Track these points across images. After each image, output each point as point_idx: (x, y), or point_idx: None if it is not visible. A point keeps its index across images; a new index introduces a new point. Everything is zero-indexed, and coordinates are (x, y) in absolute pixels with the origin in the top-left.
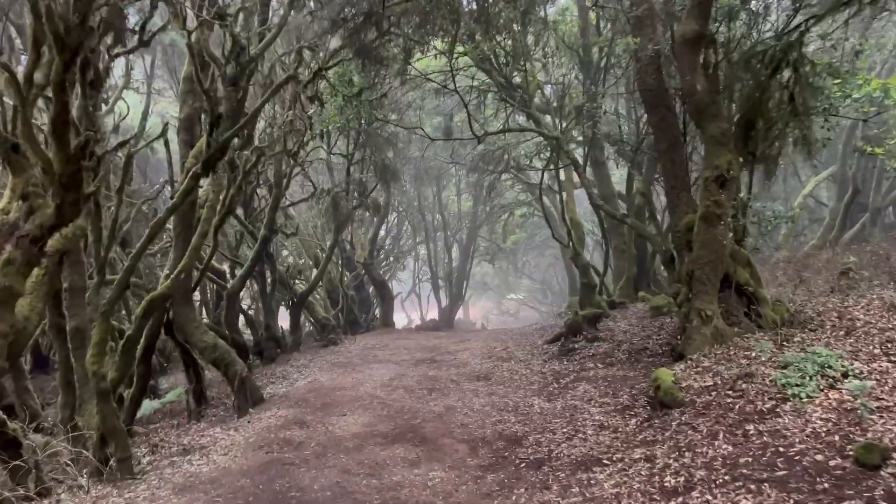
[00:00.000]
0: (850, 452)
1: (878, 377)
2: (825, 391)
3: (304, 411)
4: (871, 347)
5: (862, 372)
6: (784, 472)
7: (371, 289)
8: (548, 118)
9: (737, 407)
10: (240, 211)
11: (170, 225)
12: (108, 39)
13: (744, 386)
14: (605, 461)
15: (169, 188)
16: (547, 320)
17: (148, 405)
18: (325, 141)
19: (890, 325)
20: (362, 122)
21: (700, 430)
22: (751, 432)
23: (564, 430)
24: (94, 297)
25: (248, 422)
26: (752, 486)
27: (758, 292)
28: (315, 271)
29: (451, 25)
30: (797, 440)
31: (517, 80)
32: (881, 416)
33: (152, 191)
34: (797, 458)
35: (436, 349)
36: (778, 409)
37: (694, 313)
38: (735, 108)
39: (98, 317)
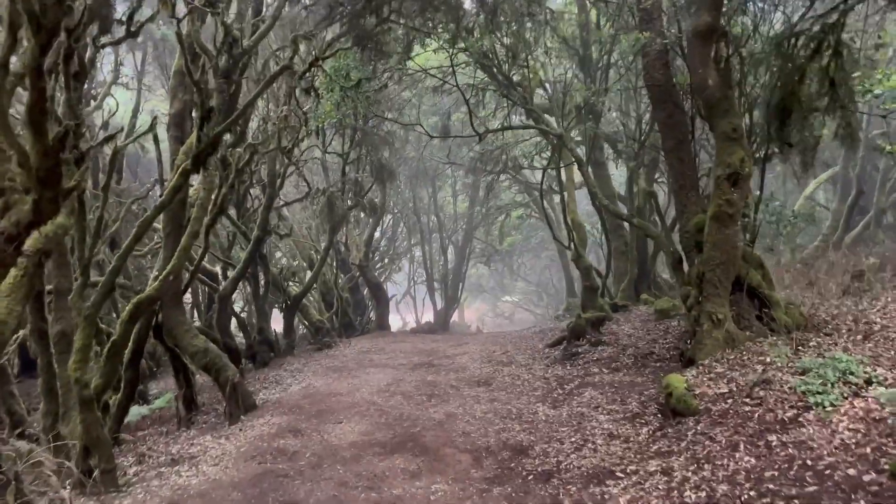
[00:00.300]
0: (885, 466)
1: None
2: (849, 399)
3: (298, 418)
4: (892, 353)
5: (886, 379)
6: (815, 487)
7: (366, 291)
8: (548, 117)
9: (756, 416)
10: (232, 211)
11: (160, 225)
12: (94, 29)
13: (761, 393)
14: (618, 473)
15: (159, 187)
16: (544, 323)
17: (136, 411)
18: (321, 139)
19: None
20: (359, 118)
21: (718, 441)
22: (774, 443)
23: (573, 439)
24: (76, 300)
25: (240, 429)
26: (781, 503)
27: (770, 295)
28: (309, 273)
29: (453, 14)
30: (825, 452)
31: (516, 77)
32: None
33: (142, 190)
34: (827, 472)
35: (433, 353)
36: (801, 419)
37: (704, 317)
38: (766, 95)
39: (81, 321)
